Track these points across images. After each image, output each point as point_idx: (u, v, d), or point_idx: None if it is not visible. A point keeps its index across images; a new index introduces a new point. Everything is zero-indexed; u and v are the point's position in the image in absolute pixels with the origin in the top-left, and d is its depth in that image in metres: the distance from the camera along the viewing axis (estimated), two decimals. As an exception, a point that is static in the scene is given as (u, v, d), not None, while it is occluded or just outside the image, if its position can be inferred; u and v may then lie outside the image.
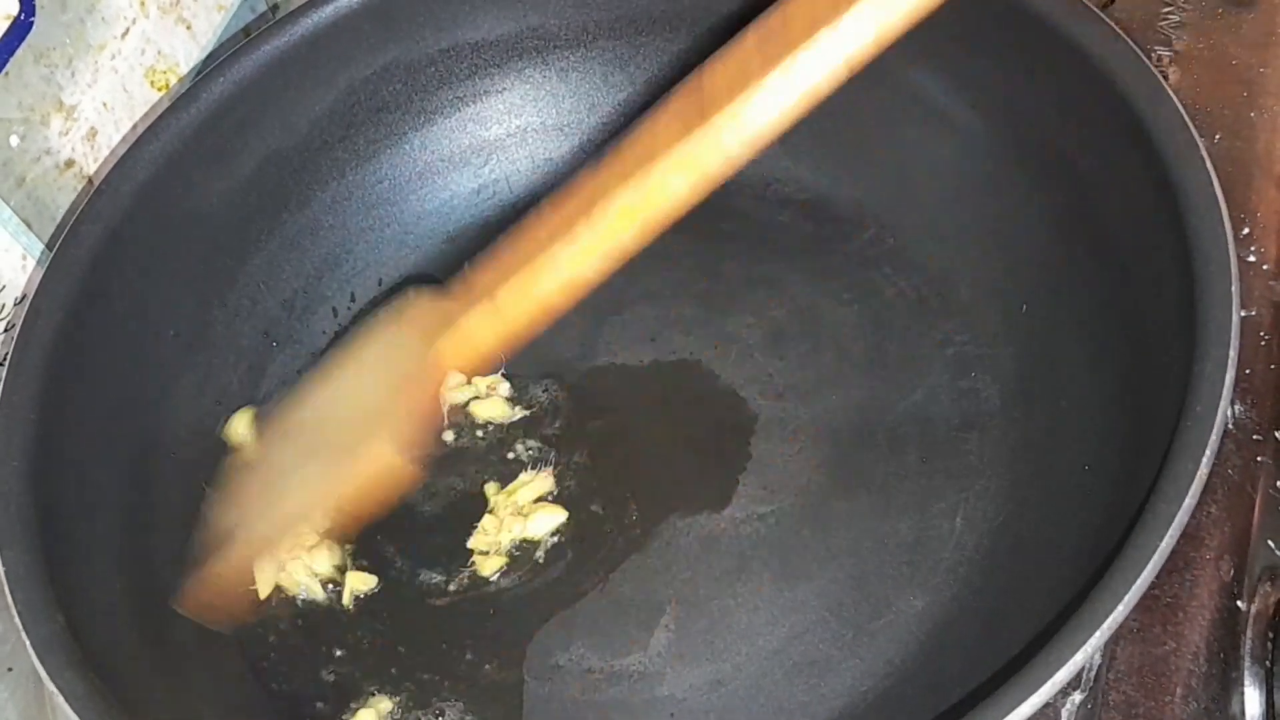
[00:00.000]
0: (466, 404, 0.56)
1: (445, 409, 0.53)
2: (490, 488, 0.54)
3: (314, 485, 0.50)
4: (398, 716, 0.49)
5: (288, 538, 0.50)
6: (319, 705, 0.50)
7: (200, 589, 0.50)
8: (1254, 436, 0.48)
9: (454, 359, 0.51)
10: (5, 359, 0.50)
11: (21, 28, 0.53)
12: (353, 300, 0.63)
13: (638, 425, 0.56)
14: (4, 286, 0.55)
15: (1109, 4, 0.61)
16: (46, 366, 0.50)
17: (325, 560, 0.52)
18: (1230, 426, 0.48)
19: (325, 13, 0.58)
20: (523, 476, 0.54)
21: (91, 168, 0.59)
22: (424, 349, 0.50)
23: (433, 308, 0.52)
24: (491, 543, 0.52)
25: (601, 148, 0.63)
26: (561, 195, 0.49)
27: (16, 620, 0.43)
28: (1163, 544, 0.37)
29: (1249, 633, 0.45)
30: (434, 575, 0.53)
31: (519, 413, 0.57)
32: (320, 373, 0.55)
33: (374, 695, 0.50)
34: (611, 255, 0.46)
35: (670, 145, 0.45)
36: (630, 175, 0.46)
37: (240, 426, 0.55)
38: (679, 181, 0.45)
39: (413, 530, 0.54)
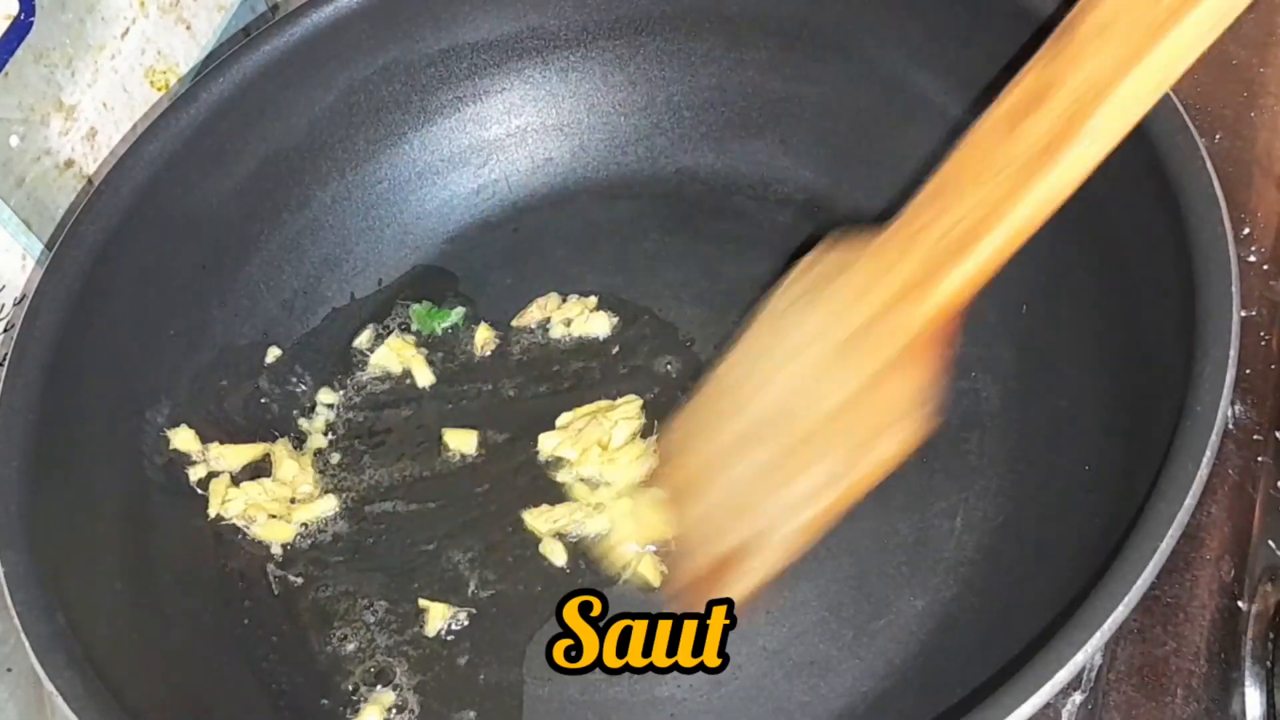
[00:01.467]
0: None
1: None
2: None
3: (821, 492, 0.44)
4: (400, 715, 0.49)
5: (801, 544, 0.45)
6: (323, 703, 0.50)
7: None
8: (1254, 436, 0.48)
9: (934, 320, 0.42)
10: (5, 359, 0.50)
11: (21, 28, 0.53)
12: (352, 300, 0.63)
13: (638, 425, 0.56)
14: (4, 286, 0.55)
15: (1109, 4, 0.61)
16: (46, 366, 0.50)
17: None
18: (1230, 427, 0.48)
19: (325, 13, 0.58)
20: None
21: (91, 168, 0.59)
22: (887, 309, 0.43)
23: (872, 261, 0.44)
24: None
25: (609, 146, 0.63)
26: (1001, 115, 0.41)
27: (16, 621, 0.43)
28: (1163, 544, 0.37)
29: (1250, 633, 0.45)
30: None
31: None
32: (725, 377, 0.49)
33: (376, 694, 0.50)
34: (1094, 166, 0.39)
35: (1162, 25, 0.37)
36: (1115, 73, 0.38)
37: (183, 440, 0.55)
38: (1182, 59, 0.37)
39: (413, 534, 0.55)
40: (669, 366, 0.58)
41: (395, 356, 0.60)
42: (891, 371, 0.42)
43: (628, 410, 0.55)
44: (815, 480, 0.44)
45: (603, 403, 0.56)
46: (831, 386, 0.44)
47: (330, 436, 0.58)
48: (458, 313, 0.61)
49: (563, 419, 0.56)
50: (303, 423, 0.59)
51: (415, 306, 0.61)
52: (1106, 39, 0.38)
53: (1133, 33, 0.37)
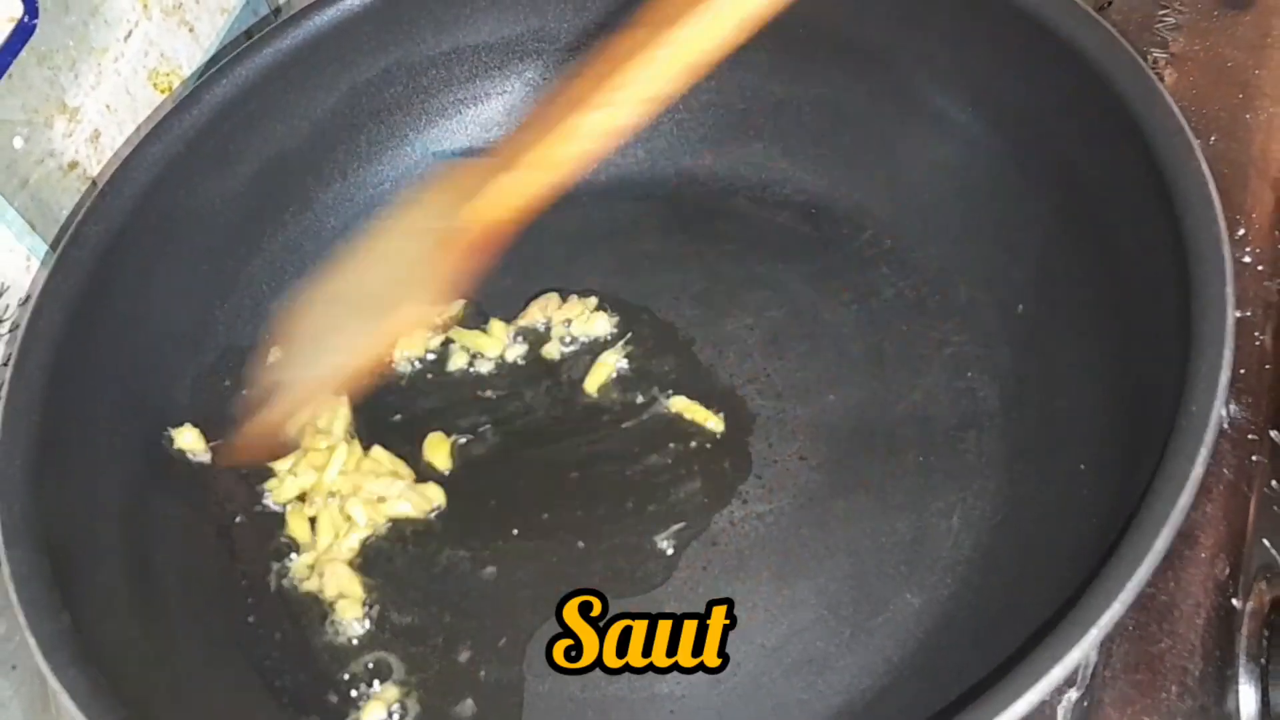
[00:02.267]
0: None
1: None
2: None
3: (352, 344, 0.52)
4: (403, 713, 0.50)
5: (323, 392, 0.53)
6: (325, 700, 0.50)
7: (242, 440, 0.53)
8: (1249, 436, 0.49)
9: (483, 219, 0.51)
10: (9, 359, 0.51)
11: (25, 30, 0.54)
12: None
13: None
14: (8, 287, 0.55)
15: (1105, 6, 0.61)
16: (50, 367, 0.50)
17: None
18: (1225, 426, 0.48)
19: (327, 15, 0.59)
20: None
21: (95, 169, 0.59)
22: (454, 212, 0.51)
23: (460, 176, 0.53)
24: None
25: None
26: (576, 71, 0.49)
27: (21, 618, 0.43)
28: (1158, 543, 0.37)
29: (1244, 631, 0.45)
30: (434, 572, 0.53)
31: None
32: (358, 237, 0.57)
33: (378, 691, 0.50)
34: (631, 118, 0.47)
35: (688, 8, 0.45)
36: (648, 41, 0.45)
37: (186, 439, 0.56)
38: (699, 39, 0.45)
39: (412, 529, 0.55)
40: (669, 367, 0.58)
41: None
42: (435, 256, 0.51)
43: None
44: (352, 332, 0.53)
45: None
46: (396, 265, 0.53)
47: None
48: (456, 305, 0.61)
49: None
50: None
51: None
52: (646, 23, 0.46)
53: (663, 20, 0.45)
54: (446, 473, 0.56)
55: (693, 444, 0.55)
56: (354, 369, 0.52)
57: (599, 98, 0.46)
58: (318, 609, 0.53)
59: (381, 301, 0.52)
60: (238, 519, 0.55)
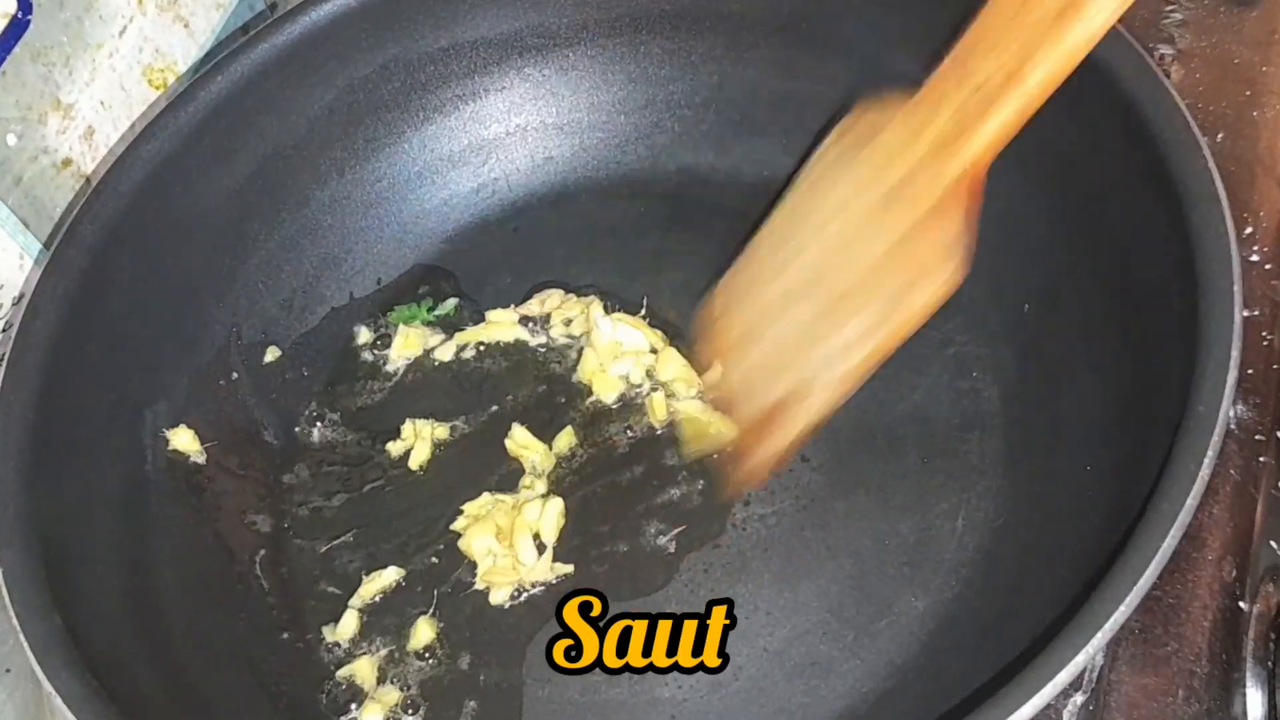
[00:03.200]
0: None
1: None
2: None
3: (864, 340, 0.46)
4: (401, 716, 0.49)
5: (843, 393, 0.48)
6: (323, 703, 0.50)
7: (760, 460, 0.48)
8: (1256, 437, 0.48)
9: (971, 167, 0.45)
10: (3, 358, 0.50)
11: (19, 26, 0.53)
12: (352, 299, 0.62)
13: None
14: (2, 286, 0.55)
15: (1110, 2, 0.61)
16: (44, 366, 0.49)
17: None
18: (1232, 427, 0.48)
19: (324, 11, 0.58)
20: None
21: (89, 166, 0.59)
22: (922, 162, 0.45)
23: (903, 119, 0.47)
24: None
25: (609, 145, 0.63)
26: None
27: (14, 621, 0.43)
28: (1164, 545, 0.37)
29: (1251, 634, 0.44)
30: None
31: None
32: (779, 217, 0.51)
33: (377, 694, 0.50)
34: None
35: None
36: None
37: (182, 440, 0.55)
38: None
39: (414, 529, 0.55)
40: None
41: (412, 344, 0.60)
42: (923, 227, 0.44)
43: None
44: (855, 330, 0.46)
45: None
46: (868, 243, 0.46)
47: (333, 435, 0.58)
48: (449, 304, 0.61)
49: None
50: (302, 424, 0.59)
51: (396, 310, 0.61)
52: None
53: None
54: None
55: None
56: (866, 372, 0.46)
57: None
58: (318, 611, 0.53)
59: (877, 287, 0.45)
60: (234, 520, 0.55)
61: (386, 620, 0.52)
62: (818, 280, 0.47)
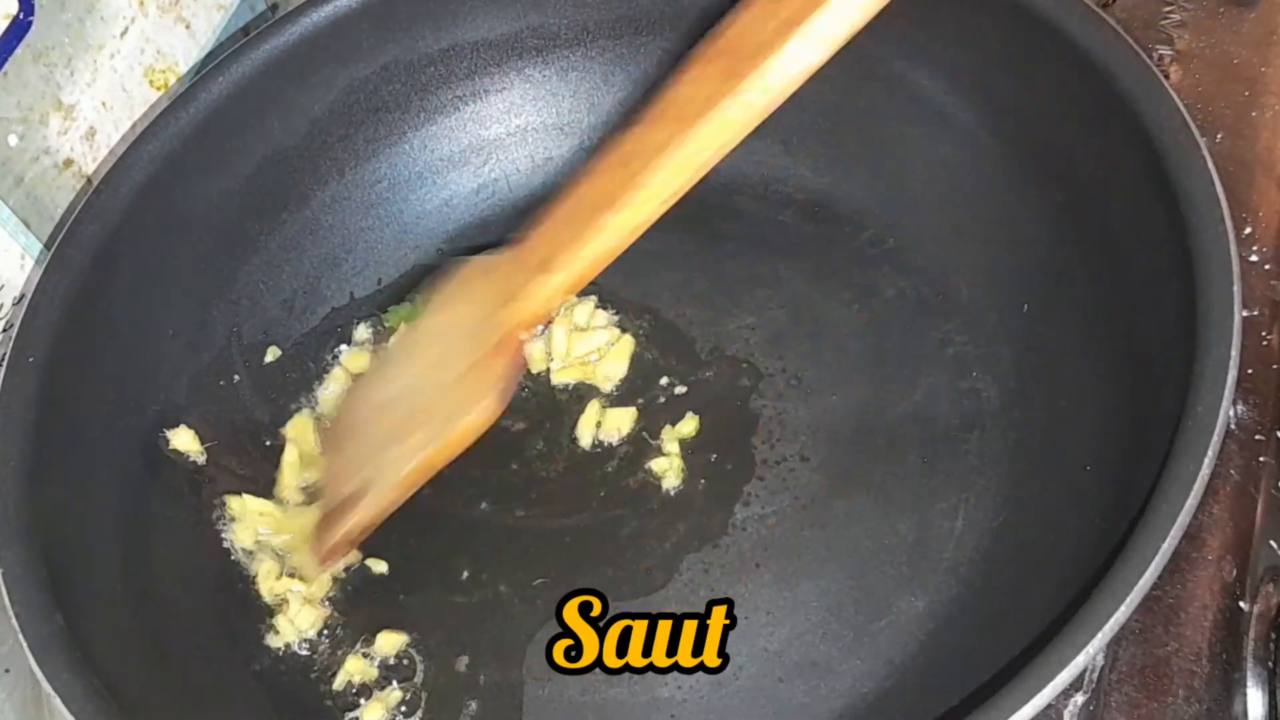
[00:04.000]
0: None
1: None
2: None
3: (414, 451, 0.53)
4: (401, 716, 0.49)
5: (395, 498, 0.53)
6: (324, 704, 0.50)
7: (324, 548, 0.53)
8: (1256, 437, 0.48)
9: (521, 323, 0.54)
10: (3, 359, 0.50)
11: (20, 27, 0.53)
12: (352, 300, 0.62)
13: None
14: (2, 286, 0.55)
15: (1110, 3, 0.61)
16: (45, 367, 0.50)
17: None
18: (1232, 427, 0.48)
19: (324, 12, 0.58)
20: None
21: (90, 167, 0.59)
22: (492, 313, 0.53)
23: (492, 275, 0.55)
24: None
25: (611, 135, 0.63)
26: (601, 161, 0.52)
27: (14, 621, 0.43)
28: (1165, 545, 0.37)
29: (1251, 634, 0.44)
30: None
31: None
32: (396, 343, 0.58)
33: (377, 694, 0.50)
34: (654, 216, 0.50)
35: (704, 109, 0.48)
36: (668, 142, 0.49)
37: (182, 440, 0.55)
38: (714, 141, 0.48)
39: (414, 530, 0.55)
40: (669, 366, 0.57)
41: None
42: (479, 366, 0.53)
43: None
44: (412, 443, 0.52)
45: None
46: (444, 370, 0.54)
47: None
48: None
49: None
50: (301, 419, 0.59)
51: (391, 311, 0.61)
52: (667, 120, 0.50)
53: (681, 119, 0.49)
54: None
55: (694, 445, 0.55)
56: (415, 480, 0.53)
57: (625, 197, 0.49)
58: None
59: (437, 410, 0.53)
60: (234, 520, 0.55)
61: (386, 618, 0.52)
62: (401, 399, 0.55)
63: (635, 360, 0.58)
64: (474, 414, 0.52)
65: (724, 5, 0.60)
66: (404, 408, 0.54)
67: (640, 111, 0.51)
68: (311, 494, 0.55)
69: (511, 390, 0.53)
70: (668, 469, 0.54)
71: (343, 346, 0.61)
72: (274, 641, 0.52)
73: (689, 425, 0.55)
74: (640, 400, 0.56)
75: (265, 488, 0.56)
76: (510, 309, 0.53)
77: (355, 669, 0.51)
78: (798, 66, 0.46)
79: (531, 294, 0.52)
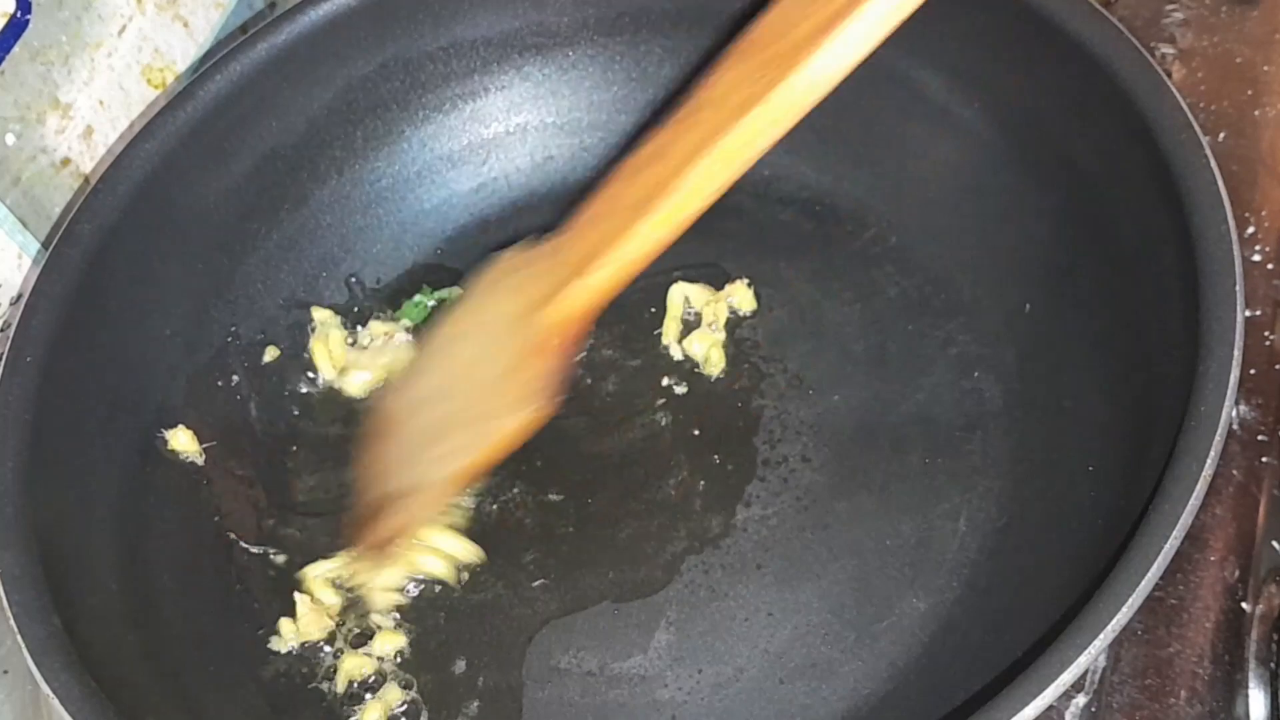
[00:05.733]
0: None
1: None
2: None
3: (456, 454, 0.52)
4: (401, 718, 0.49)
5: (435, 506, 0.53)
6: (323, 705, 0.50)
7: (371, 541, 0.52)
8: (1259, 437, 0.48)
9: (559, 326, 0.51)
10: (1, 358, 0.50)
11: (17, 25, 0.53)
12: (351, 299, 0.62)
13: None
14: (0, 285, 0.55)
15: (1112, 2, 0.61)
16: (42, 367, 0.49)
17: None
18: (1235, 427, 0.48)
19: (323, 10, 0.58)
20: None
21: (88, 166, 0.59)
22: (530, 312, 0.52)
23: (530, 271, 0.54)
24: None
25: (609, 144, 0.63)
26: (637, 157, 0.51)
27: (12, 622, 0.43)
28: (1167, 545, 0.37)
29: (1254, 634, 0.44)
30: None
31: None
32: (432, 345, 0.57)
33: (377, 696, 0.50)
34: (695, 214, 0.48)
35: (746, 106, 0.46)
36: (708, 139, 0.47)
37: (180, 440, 0.55)
38: (758, 138, 0.47)
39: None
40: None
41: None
42: (524, 362, 0.51)
43: None
44: (456, 443, 0.52)
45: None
46: (486, 368, 0.53)
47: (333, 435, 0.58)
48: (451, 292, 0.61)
49: None
50: (301, 424, 0.59)
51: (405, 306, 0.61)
52: (705, 117, 0.48)
53: (721, 115, 0.47)
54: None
55: (695, 445, 0.54)
56: (460, 484, 0.52)
57: (664, 197, 0.48)
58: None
59: (478, 410, 0.52)
60: (233, 520, 0.55)
61: (385, 622, 0.52)
62: (447, 394, 0.54)
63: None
64: (514, 418, 0.50)
65: (723, 5, 0.60)
66: (444, 406, 0.53)
67: (674, 109, 0.50)
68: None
69: (553, 392, 0.51)
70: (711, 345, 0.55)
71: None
72: (273, 643, 0.52)
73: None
74: (641, 400, 0.56)
75: (265, 487, 0.56)
76: (548, 311, 0.51)
77: (355, 670, 0.50)
78: (848, 57, 0.44)
79: (569, 297, 0.50)
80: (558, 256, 0.52)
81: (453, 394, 0.54)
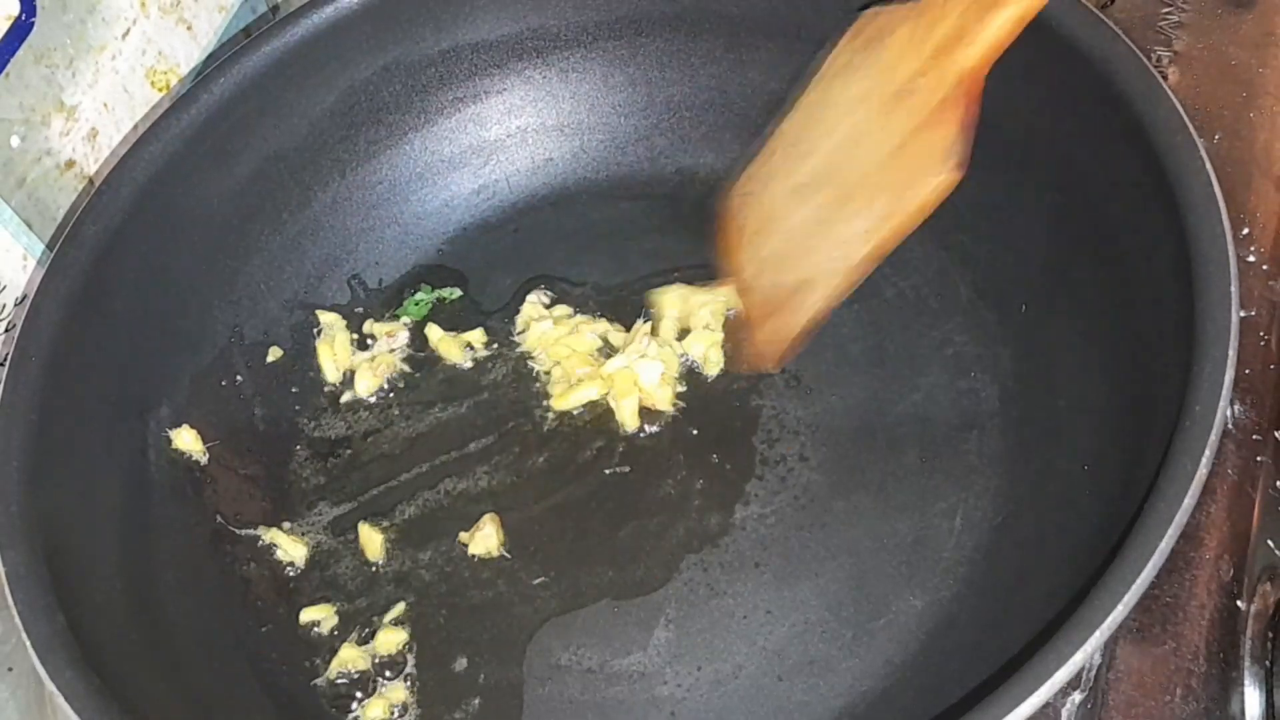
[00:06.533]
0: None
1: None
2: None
3: (869, 232, 0.49)
4: (403, 715, 0.50)
5: (851, 282, 0.50)
6: (324, 703, 0.50)
7: (777, 344, 0.51)
8: (1253, 436, 0.48)
9: (971, 70, 0.47)
10: (6, 359, 0.50)
11: (22, 28, 0.53)
12: (353, 299, 0.63)
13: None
14: (4, 287, 0.55)
15: (1108, 4, 0.61)
16: (47, 367, 0.50)
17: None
18: (1230, 426, 0.48)
19: (325, 13, 0.58)
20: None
21: (92, 168, 0.59)
22: (925, 69, 0.47)
23: (910, 26, 0.49)
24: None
25: (609, 146, 0.63)
26: None
27: (17, 620, 0.43)
28: (1162, 544, 0.37)
29: (1249, 632, 0.45)
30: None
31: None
32: (791, 123, 0.53)
33: (378, 693, 0.50)
34: None
35: None
36: None
37: (184, 440, 0.55)
38: None
39: (415, 531, 0.55)
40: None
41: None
42: (924, 129, 0.47)
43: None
44: (861, 225, 0.48)
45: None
46: (874, 143, 0.48)
47: (334, 435, 0.58)
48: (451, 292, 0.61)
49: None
50: (304, 424, 0.59)
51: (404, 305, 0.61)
52: None
53: None
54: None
55: (694, 444, 0.55)
56: (872, 263, 0.48)
57: None
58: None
59: (881, 185, 0.48)
60: (236, 520, 0.55)
61: (386, 621, 0.52)
62: (828, 178, 0.49)
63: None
64: (932, 184, 0.46)
65: (722, 8, 0.60)
66: (833, 188, 0.49)
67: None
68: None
69: (969, 151, 0.46)
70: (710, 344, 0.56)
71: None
72: (275, 640, 0.52)
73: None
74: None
75: (268, 486, 0.56)
76: (954, 57, 0.45)
77: (355, 667, 0.51)
78: None
79: (981, 33, 0.45)
80: (937, 12, 0.47)
81: (839, 172, 0.49)
